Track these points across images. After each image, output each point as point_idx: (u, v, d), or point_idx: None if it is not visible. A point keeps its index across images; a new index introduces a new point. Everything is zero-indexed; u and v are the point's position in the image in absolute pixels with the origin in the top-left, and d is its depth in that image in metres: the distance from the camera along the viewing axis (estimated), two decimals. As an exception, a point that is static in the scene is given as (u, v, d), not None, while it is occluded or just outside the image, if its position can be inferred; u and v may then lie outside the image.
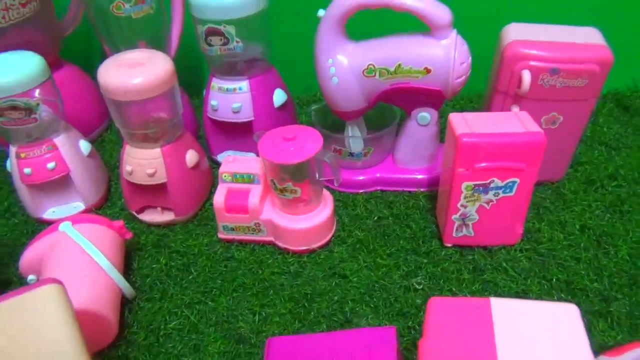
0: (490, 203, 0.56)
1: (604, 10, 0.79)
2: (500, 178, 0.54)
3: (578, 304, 0.51)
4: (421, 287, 0.56)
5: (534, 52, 0.58)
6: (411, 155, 0.69)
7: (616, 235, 0.60)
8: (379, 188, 0.70)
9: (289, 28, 0.83)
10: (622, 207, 0.64)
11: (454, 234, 0.59)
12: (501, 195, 0.55)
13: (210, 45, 0.65)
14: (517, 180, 0.54)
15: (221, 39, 0.64)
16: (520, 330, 0.36)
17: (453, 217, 0.58)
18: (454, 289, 0.55)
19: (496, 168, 0.53)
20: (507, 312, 0.37)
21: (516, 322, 0.37)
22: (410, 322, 0.52)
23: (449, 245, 0.60)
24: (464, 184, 0.55)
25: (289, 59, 0.82)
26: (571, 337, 0.35)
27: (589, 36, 0.60)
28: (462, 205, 0.56)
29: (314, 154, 0.55)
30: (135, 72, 0.55)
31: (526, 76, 0.58)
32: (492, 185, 0.54)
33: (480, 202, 0.56)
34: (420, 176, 0.69)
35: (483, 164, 0.53)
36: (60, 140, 0.63)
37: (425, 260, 0.59)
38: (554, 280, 0.55)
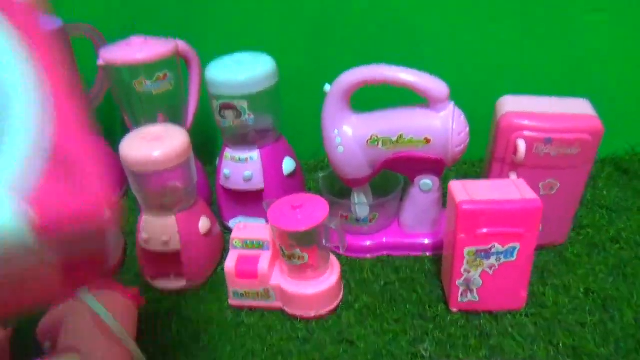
0: (493, 268, 0.57)
1: (598, 81, 0.84)
2: (500, 243, 0.56)
3: (584, 371, 0.51)
4: (428, 354, 0.56)
5: (527, 122, 0.61)
6: (416, 221, 0.72)
7: (621, 298, 0.61)
8: (385, 253, 0.72)
9: (297, 99, 0.89)
10: (625, 270, 0.65)
11: (459, 299, 0.60)
12: (503, 260, 0.57)
13: (223, 118, 0.70)
14: (518, 245, 0.56)
15: (234, 113, 0.69)
16: None
17: (457, 282, 0.59)
18: (460, 355, 0.56)
19: (496, 234, 0.55)
20: None
21: None
22: (417, 390, 0.52)
23: (455, 310, 0.61)
24: (466, 250, 0.56)
25: (298, 127, 0.86)
26: None
27: (579, 107, 0.63)
28: (465, 270, 0.58)
29: (320, 222, 0.58)
30: (154, 145, 0.59)
31: (521, 145, 0.61)
32: (493, 250, 0.56)
33: (483, 267, 0.57)
34: (425, 240, 0.71)
35: (483, 230, 0.55)
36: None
37: (431, 326, 0.59)
38: (561, 345, 0.56)
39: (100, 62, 0.72)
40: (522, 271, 0.58)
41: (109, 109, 0.95)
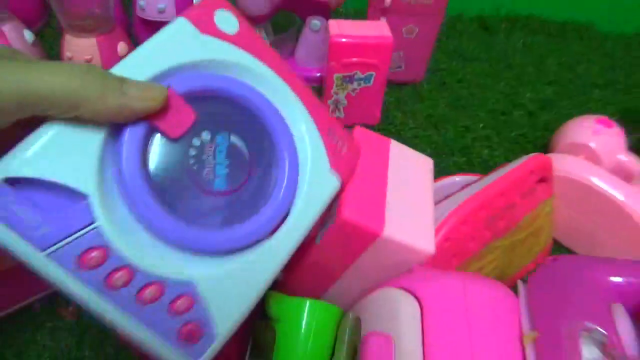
0: (355, 91, 0.75)
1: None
2: (361, 71, 0.72)
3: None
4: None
5: (394, -26, 0.74)
6: (308, 57, 0.86)
7: (449, 121, 0.81)
8: (280, 82, 0.87)
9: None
10: (459, 103, 0.85)
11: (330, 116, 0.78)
12: (363, 85, 0.74)
13: (137, -49, 0.77)
14: (374, 73, 0.72)
15: (146, -53, 0.76)
16: (402, 168, 0.52)
17: (329, 102, 0.76)
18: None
19: (357, 63, 0.71)
20: (396, 152, 0.54)
21: (401, 161, 0.53)
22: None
23: (327, 124, 0.79)
24: (335, 75, 0.73)
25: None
26: (425, 182, 0.53)
27: (439, -36, 0.77)
28: (334, 93, 0.75)
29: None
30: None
31: (388, -7, 0.75)
32: (355, 76, 0.73)
33: (348, 90, 0.74)
34: (316, 74, 0.87)
35: (348, 59, 0.71)
36: (7, 28, 0.75)
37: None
38: (398, 149, 0.76)
39: None
40: (377, 94, 0.76)
41: None
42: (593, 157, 0.66)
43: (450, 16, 1.01)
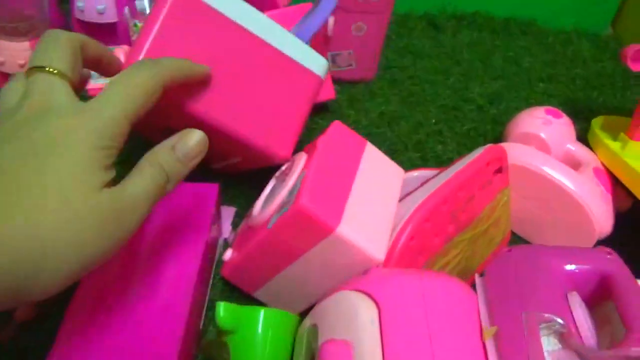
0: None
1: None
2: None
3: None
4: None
5: (342, -28, 0.74)
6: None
7: (402, 118, 0.81)
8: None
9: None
10: (411, 99, 0.85)
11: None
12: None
13: (70, -50, 0.73)
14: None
15: (80, -55, 0.72)
16: (372, 172, 0.52)
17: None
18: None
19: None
20: (370, 155, 0.54)
21: (372, 164, 0.53)
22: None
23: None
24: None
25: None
26: (392, 190, 0.53)
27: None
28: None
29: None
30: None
31: (336, -9, 0.74)
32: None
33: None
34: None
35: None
36: None
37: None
38: (352, 148, 0.75)
39: None
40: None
41: None
42: (543, 147, 0.67)
43: (399, 14, 1.02)
